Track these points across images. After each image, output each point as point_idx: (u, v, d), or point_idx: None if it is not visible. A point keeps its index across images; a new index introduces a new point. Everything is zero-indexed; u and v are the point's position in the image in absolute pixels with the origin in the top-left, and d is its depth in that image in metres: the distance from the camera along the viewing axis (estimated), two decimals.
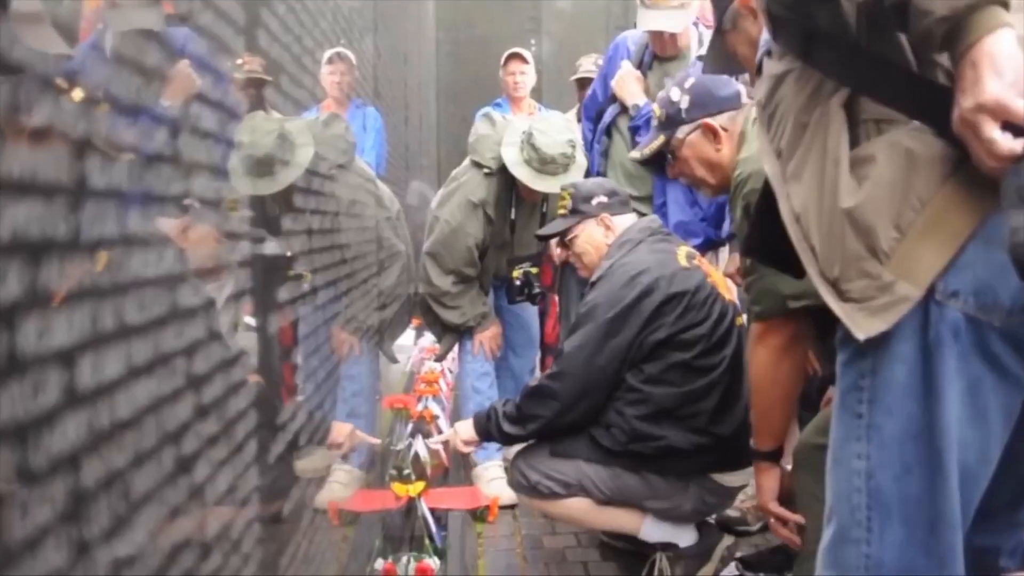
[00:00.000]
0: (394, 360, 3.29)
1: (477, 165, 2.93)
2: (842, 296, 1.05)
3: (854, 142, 1.04)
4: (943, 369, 0.99)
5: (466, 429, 2.31)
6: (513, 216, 2.96)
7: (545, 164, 2.76)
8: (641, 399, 2.11)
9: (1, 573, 0.59)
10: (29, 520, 0.64)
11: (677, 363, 2.10)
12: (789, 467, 1.81)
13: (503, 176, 2.88)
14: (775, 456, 1.81)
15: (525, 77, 4.21)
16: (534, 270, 2.84)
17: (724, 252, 2.92)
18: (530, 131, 2.80)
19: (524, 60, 4.21)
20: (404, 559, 2.23)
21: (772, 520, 1.82)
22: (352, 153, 2.49)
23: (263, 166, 1.81)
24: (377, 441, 2.41)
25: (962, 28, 0.90)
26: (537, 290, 2.92)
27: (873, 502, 1.05)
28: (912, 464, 1.02)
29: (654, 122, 2.06)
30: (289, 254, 1.75)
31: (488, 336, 3.02)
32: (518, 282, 2.90)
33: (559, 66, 6.78)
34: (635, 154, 2.12)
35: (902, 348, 1.01)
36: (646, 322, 2.11)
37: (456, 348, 3.17)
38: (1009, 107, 0.87)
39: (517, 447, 2.53)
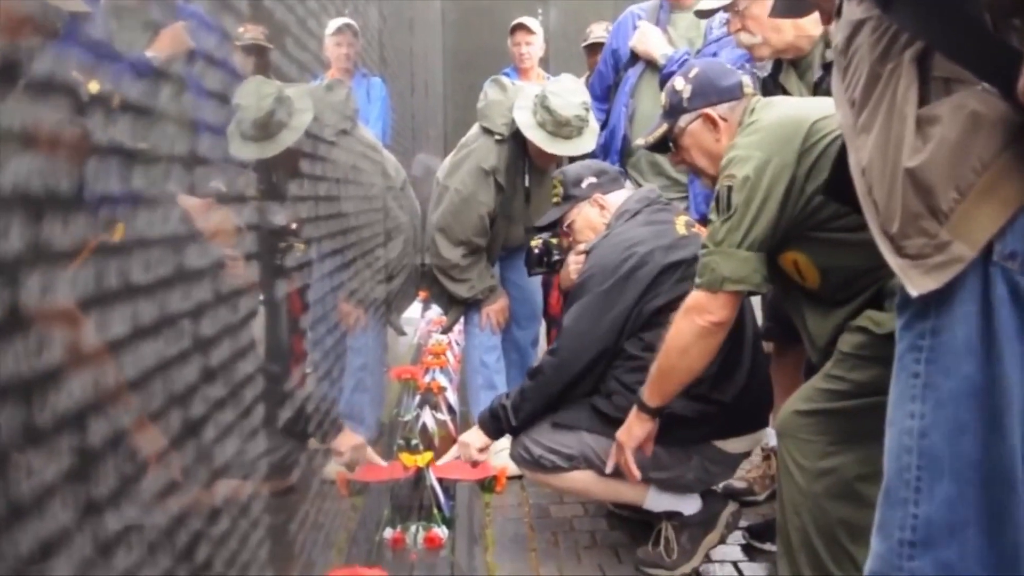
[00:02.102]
0: (402, 332, 3.28)
1: (488, 132, 2.88)
2: (899, 252, 1.06)
3: (923, 99, 1.04)
4: (1003, 329, 1.00)
5: (475, 437, 2.31)
6: (527, 184, 2.92)
7: (560, 127, 2.72)
8: (641, 366, 2.10)
9: (7, 533, 0.59)
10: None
11: None
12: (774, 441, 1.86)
13: (515, 142, 2.84)
14: (655, 412, 1.96)
15: (531, 48, 4.16)
16: (554, 240, 2.80)
17: None
18: (544, 94, 2.75)
19: (530, 31, 4.15)
20: (413, 528, 2.25)
21: (620, 459, 2.01)
22: (355, 119, 2.46)
23: (260, 129, 1.80)
24: (384, 463, 2.36)
25: None
26: (556, 257, 2.87)
27: (924, 461, 1.05)
28: (968, 423, 1.02)
29: (659, 110, 2.06)
30: (293, 224, 1.74)
31: (495, 309, 3.01)
32: (537, 251, 2.85)
33: (567, 34, 6.68)
34: (640, 141, 2.15)
35: (963, 309, 1.02)
36: (644, 291, 2.12)
37: (462, 321, 3.16)
38: None
39: None
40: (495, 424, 2.26)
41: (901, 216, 1.05)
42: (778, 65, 2.31)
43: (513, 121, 2.80)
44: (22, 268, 0.63)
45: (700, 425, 2.11)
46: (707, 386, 2.10)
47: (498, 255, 3.08)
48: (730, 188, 1.73)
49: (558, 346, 2.19)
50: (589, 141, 2.79)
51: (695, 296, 1.81)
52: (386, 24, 3.50)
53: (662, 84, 2.93)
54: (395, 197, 2.89)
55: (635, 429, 1.97)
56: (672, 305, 2.09)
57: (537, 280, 3.26)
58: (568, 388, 2.17)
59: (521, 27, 4.17)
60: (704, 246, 1.80)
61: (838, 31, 1.18)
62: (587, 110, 2.78)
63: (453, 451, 2.43)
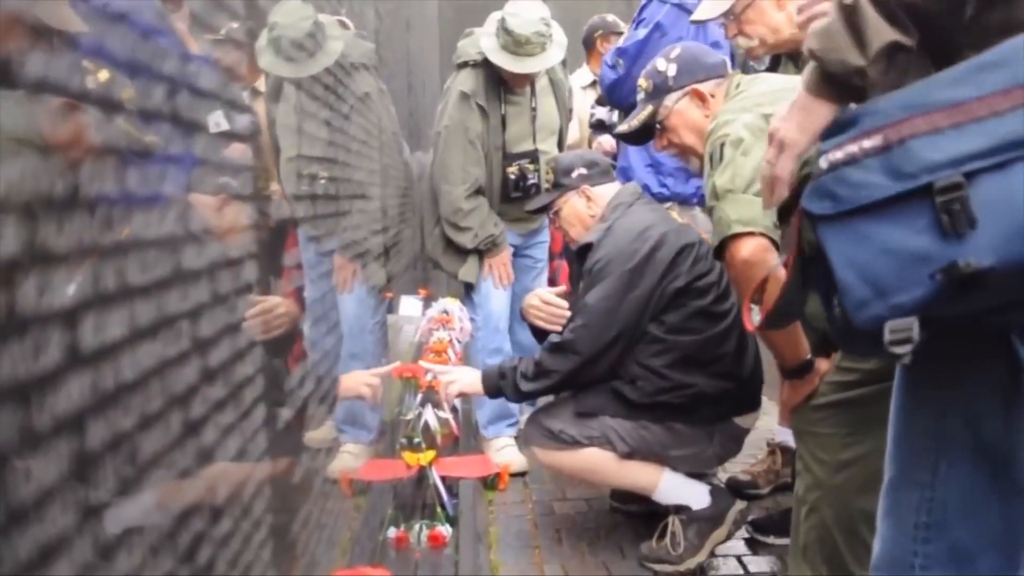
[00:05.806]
0: (382, 282, 3.24)
1: (463, 64, 2.97)
2: None
3: None
4: None
5: (470, 381, 2.34)
6: (503, 112, 2.96)
7: (520, 46, 2.78)
8: (666, 348, 2.16)
9: (7, 537, 0.58)
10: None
11: (697, 310, 2.18)
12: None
13: (488, 68, 2.91)
14: (799, 371, 1.70)
15: None
16: (531, 166, 2.86)
17: (698, 212, 2.91)
18: (503, 16, 2.83)
19: None
20: (416, 527, 2.25)
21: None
22: (374, 59, 2.63)
23: (296, 49, 1.83)
24: (377, 381, 2.32)
25: None
26: (532, 182, 2.93)
27: (942, 445, 1.04)
28: (986, 406, 1.02)
29: (640, 95, 2.04)
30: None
31: (498, 261, 3.01)
32: (513, 176, 2.91)
33: (564, 29, 6.66)
34: (623, 127, 2.15)
35: None
36: (664, 272, 2.17)
37: (468, 321, 3.15)
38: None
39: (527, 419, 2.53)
40: (499, 382, 2.27)
41: None
42: (776, 58, 2.33)
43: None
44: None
45: (722, 401, 2.20)
46: (729, 362, 2.17)
47: (499, 200, 3.05)
48: (723, 144, 1.70)
49: (583, 322, 2.18)
50: (555, 54, 2.86)
51: (731, 246, 1.67)
52: (383, 23, 3.49)
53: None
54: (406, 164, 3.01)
55: (793, 394, 1.72)
56: (691, 287, 2.18)
57: (543, 278, 3.29)
58: (585, 367, 2.18)
59: None
60: (709, 205, 1.74)
61: None
62: (547, 25, 2.83)
63: (444, 369, 2.47)
